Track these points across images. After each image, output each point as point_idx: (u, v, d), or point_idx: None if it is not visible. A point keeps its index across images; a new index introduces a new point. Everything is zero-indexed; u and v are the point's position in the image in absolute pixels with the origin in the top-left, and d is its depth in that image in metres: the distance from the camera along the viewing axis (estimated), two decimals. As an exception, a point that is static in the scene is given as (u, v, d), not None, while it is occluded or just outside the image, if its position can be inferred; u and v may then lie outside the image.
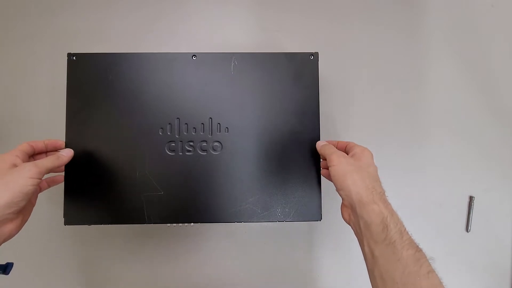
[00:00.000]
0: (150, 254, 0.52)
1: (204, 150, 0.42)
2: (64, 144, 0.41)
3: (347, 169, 0.35)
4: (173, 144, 0.42)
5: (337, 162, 0.36)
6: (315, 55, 0.43)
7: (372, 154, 0.38)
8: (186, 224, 0.46)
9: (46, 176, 0.38)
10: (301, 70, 0.43)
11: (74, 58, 0.42)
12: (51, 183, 0.43)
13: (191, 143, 0.42)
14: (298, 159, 0.42)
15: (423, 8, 0.58)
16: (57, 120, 0.53)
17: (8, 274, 0.39)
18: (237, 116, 0.42)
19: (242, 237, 0.53)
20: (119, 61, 0.42)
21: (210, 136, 0.42)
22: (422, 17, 0.58)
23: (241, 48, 0.56)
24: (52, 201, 0.52)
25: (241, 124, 0.42)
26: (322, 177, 0.42)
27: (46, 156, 0.40)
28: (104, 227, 0.52)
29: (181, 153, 0.42)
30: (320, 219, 0.42)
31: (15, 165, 0.35)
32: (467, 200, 0.54)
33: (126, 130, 0.42)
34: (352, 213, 0.35)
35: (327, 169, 0.40)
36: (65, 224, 0.41)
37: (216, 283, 0.52)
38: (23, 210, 0.35)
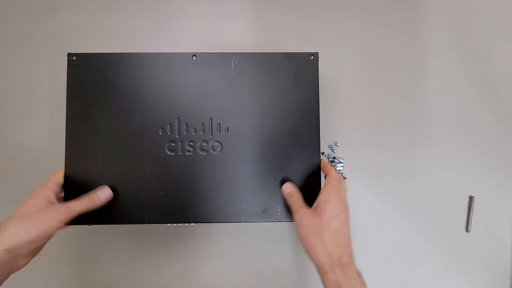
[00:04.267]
0: (150, 254, 0.52)
1: (204, 150, 0.42)
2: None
3: (309, 232, 0.35)
4: (173, 144, 0.42)
5: (299, 224, 0.36)
6: (315, 55, 0.43)
7: (339, 199, 0.36)
8: (186, 224, 0.46)
9: None
10: (301, 70, 0.43)
11: (74, 58, 0.42)
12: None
13: (191, 143, 0.42)
14: (298, 159, 0.42)
15: (423, 8, 0.58)
16: (57, 120, 0.53)
17: None
18: (237, 116, 0.42)
19: (241, 237, 0.53)
20: (119, 61, 0.42)
21: (210, 136, 0.42)
22: (422, 17, 0.58)
23: (241, 48, 0.56)
24: (52, 201, 0.52)
25: (241, 124, 0.42)
26: (322, 176, 0.42)
27: None
28: (104, 227, 0.52)
29: (181, 153, 0.42)
30: (320, 219, 0.42)
31: (50, 202, 0.36)
32: (467, 200, 0.54)
33: (126, 130, 0.42)
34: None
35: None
36: (65, 224, 0.41)
37: (215, 283, 0.52)
38: (40, 246, 0.36)
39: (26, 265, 0.35)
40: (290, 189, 0.40)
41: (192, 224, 0.43)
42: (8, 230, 0.32)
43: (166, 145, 0.42)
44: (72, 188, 0.41)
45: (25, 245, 0.33)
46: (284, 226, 0.54)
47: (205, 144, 0.42)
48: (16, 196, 0.52)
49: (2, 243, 0.32)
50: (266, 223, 0.54)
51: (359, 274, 0.34)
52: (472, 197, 0.54)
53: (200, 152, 0.42)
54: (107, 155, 0.41)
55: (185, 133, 0.42)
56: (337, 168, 0.54)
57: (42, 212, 0.34)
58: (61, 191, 0.40)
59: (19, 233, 0.32)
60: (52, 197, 0.37)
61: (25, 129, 0.54)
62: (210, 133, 0.42)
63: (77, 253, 0.52)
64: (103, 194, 0.39)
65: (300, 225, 0.36)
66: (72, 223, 0.40)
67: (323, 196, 0.37)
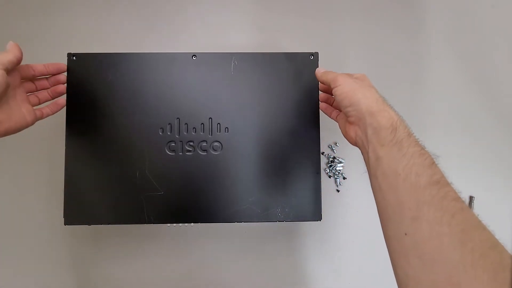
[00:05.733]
0: (150, 254, 0.52)
1: (204, 150, 0.42)
2: (66, 67, 0.41)
3: (355, 86, 0.35)
4: (173, 144, 0.42)
5: (343, 82, 0.36)
6: (315, 55, 0.43)
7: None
8: (186, 224, 0.46)
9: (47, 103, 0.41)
10: (301, 70, 0.43)
11: (74, 58, 0.42)
12: (54, 107, 0.42)
13: (191, 143, 0.42)
14: (298, 159, 0.42)
15: (423, 8, 0.58)
16: (57, 120, 0.53)
17: None
18: (237, 116, 0.42)
19: (242, 237, 0.53)
20: (119, 61, 0.42)
21: (210, 136, 0.42)
22: (422, 17, 0.58)
23: (241, 48, 0.56)
24: (52, 201, 0.52)
25: (241, 124, 0.42)
26: (321, 176, 0.42)
27: (48, 81, 0.41)
28: (104, 227, 0.52)
29: (181, 153, 0.42)
30: (320, 219, 0.42)
31: None
32: (467, 200, 0.54)
33: (126, 130, 0.42)
34: (359, 127, 0.35)
35: (326, 102, 0.42)
36: (65, 224, 0.41)
37: (215, 283, 0.52)
38: (4, 109, 0.35)
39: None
40: (323, 69, 0.41)
41: (192, 224, 0.43)
42: None
43: (166, 145, 0.42)
44: (72, 186, 0.41)
45: None
46: (284, 227, 0.54)
47: (205, 144, 0.42)
48: (16, 193, 0.52)
49: None
50: (266, 223, 0.54)
51: None
52: (472, 197, 0.54)
53: (200, 152, 0.42)
54: (107, 155, 0.41)
55: (185, 133, 0.42)
56: (337, 168, 0.54)
57: None
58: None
59: None
60: None
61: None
62: (210, 133, 0.42)
63: (77, 253, 0.52)
64: (9, 45, 0.40)
65: (345, 82, 0.36)
66: (72, 223, 0.41)
67: (356, 74, 0.39)
